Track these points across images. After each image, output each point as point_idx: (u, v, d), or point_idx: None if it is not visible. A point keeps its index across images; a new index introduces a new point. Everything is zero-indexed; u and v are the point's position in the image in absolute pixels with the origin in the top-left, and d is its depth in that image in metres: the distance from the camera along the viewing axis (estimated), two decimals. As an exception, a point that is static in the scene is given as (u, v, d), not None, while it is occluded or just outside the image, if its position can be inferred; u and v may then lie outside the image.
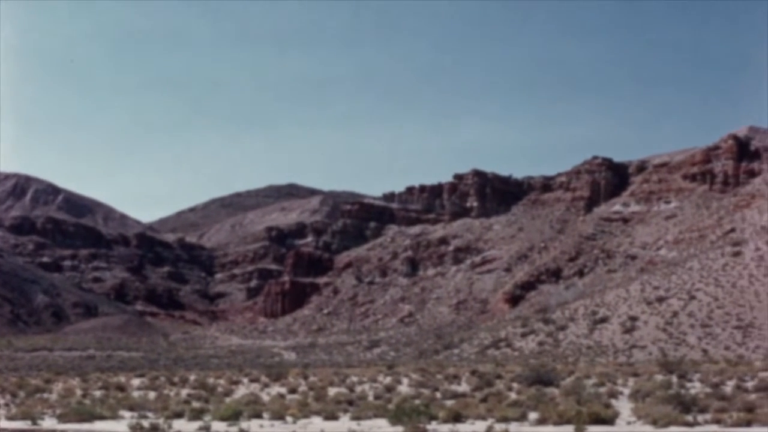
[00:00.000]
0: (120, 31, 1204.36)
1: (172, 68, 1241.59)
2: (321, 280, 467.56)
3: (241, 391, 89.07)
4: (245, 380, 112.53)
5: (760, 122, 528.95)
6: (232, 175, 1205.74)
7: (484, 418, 51.35)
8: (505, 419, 49.64)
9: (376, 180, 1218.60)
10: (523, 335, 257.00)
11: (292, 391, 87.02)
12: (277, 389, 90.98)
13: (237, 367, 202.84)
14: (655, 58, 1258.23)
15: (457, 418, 50.91)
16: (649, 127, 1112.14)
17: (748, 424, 43.65)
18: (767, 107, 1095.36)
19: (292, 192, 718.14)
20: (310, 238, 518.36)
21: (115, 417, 61.63)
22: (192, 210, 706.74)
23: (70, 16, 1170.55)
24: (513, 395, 68.74)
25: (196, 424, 53.42)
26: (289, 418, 56.10)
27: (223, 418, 55.29)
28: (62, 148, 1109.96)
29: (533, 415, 50.26)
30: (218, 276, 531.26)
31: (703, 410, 50.40)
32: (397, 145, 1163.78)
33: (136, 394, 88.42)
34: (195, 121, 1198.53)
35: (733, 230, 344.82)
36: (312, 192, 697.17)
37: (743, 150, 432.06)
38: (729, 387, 70.95)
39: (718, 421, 45.49)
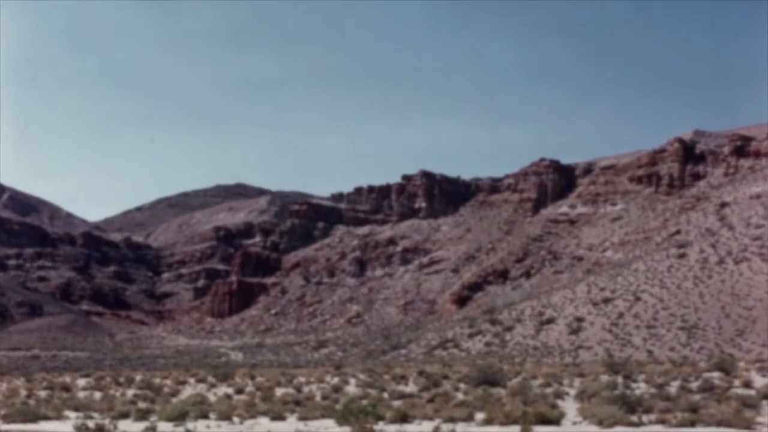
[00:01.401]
0: (68, 29, 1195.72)
1: (120, 66, 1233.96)
2: (269, 280, 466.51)
3: (187, 392, 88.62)
4: (192, 380, 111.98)
5: (705, 126, 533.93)
6: (180, 174, 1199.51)
7: (431, 419, 51.45)
8: (452, 420, 49.76)
9: (324, 180, 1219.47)
10: (470, 336, 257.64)
11: (239, 391, 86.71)
12: (224, 389, 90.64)
13: (183, 367, 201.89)
14: (602, 62, 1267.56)
15: (404, 418, 50.97)
16: (596, 130, 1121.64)
17: (692, 424, 44.06)
18: (712, 111, 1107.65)
19: (239, 192, 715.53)
20: (257, 238, 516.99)
21: (60, 417, 61.10)
22: (139, 209, 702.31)
23: (17, 13, 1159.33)
24: (460, 396, 68.90)
25: (142, 425, 53.08)
26: (236, 419, 55.92)
27: (169, 419, 54.99)
28: (7, 146, 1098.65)
29: (480, 416, 50.42)
30: (165, 276, 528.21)
31: (647, 410, 50.78)
32: (345, 145, 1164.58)
33: (81, 394, 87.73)
34: (142, 120, 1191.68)
35: (678, 232, 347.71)
36: (260, 192, 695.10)
37: (689, 153, 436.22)
38: (673, 388, 71.52)
39: (662, 422, 45.86)
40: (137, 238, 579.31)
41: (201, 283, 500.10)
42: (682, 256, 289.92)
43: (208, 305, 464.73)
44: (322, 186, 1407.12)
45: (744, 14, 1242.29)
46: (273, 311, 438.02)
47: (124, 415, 59.90)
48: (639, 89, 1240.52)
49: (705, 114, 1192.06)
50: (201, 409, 59.94)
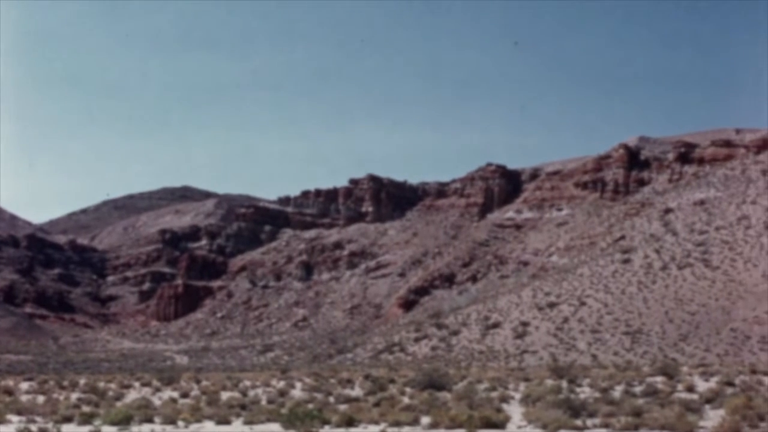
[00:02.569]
0: (14, 30, 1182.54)
1: (66, 68, 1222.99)
2: (215, 283, 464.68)
3: (132, 396, 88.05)
4: (137, 384, 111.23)
5: (650, 132, 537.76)
6: (126, 176, 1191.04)
7: (376, 423, 51.53)
8: (397, 423, 49.87)
9: (271, 184, 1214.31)
10: (417, 340, 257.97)
11: (185, 395, 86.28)
12: (169, 393, 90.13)
13: (128, 371, 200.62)
14: (548, 68, 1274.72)
15: (350, 422, 51.01)
16: (543, 135, 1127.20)
17: (636, 428, 44.43)
18: (658, 117, 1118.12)
19: (186, 194, 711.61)
20: (204, 241, 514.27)
21: (2, 421, 60.46)
22: (84, 211, 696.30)
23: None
24: (406, 399, 69.04)
25: (86, 429, 52.73)
26: (181, 423, 55.66)
27: (113, 423, 54.65)
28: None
29: (426, 420, 50.56)
30: (110, 279, 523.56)
31: (592, 414, 51.15)
32: (293, 148, 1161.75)
33: (24, 398, 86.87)
34: (88, 122, 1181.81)
35: (623, 238, 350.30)
36: (207, 195, 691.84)
37: (633, 159, 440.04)
38: (617, 392, 72.08)
39: (606, 425, 46.22)
40: (82, 240, 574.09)
41: (146, 286, 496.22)
42: (626, 261, 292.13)
43: (153, 308, 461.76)
44: (269, 189, 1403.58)
45: (687, 22, 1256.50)
46: (219, 315, 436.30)
47: (68, 419, 59.42)
48: (585, 95, 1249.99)
49: (650, 120, 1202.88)
50: (146, 413, 59.59)
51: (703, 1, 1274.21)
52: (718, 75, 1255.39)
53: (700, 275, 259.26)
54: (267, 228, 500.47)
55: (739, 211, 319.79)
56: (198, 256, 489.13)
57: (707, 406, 55.57)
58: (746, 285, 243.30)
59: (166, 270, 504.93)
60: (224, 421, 56.65)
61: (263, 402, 72.93)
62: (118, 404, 73.11)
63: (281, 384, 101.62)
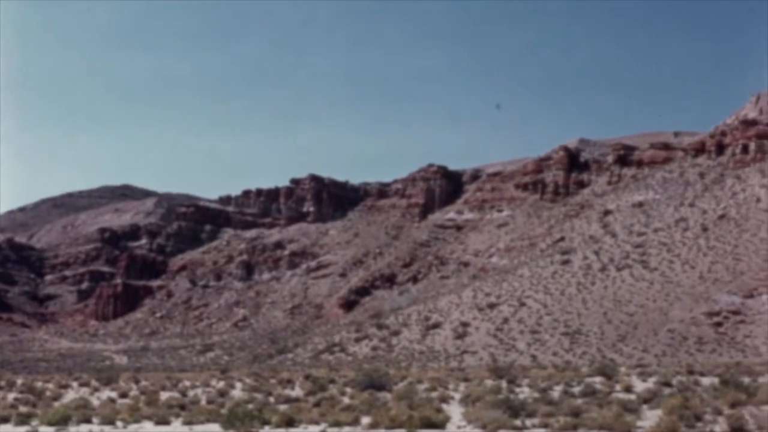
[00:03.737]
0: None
1: (4, 66, 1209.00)
2: (154, 283, 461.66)
3: (70, 396, 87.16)
4: (75, 384, 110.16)
5: (590, 134, 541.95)
6: (65, 174, 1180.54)
7: (317, 423, 51.48)
8: (337, 424, 49.85)
9: (212, 183, 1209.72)
10: (357, 340, 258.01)
11: (123, 395, 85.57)
12: (107, 393, 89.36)
13: (66, 370, 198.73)
14: (490, 69, 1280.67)
15: (290, 422, 50.91)
16: (484, 137, 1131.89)
17: (575, 428, 44.71)
18: (597, 120, 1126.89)
19: (126, 193, 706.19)
20: (144, 240, 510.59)
21: (-63, 422, 59.74)
22: (22, 210, 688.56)
23: None
24: (346, 400, 69.01)
25: (24, 429, 52.20)
26: (119, 423, 55.24)
27: (51, 423, 54.13)
28: None
29: (366, 420, 50.57)
30: (48, 278, 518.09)
31: (531, 415, 51.38)
32: (234, 148, 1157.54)
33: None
34: (27, 120, 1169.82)
35: (562, 239, 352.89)
36: (147, 193, 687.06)
37: (573, 161, 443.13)
38: (556, 392, 72.44)
39: (545, 426, 46.47)
40: (20, 238, 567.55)
41: (85, 285, 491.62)
42: (566, 262, 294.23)
43: (92, 308, 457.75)
44: (209, 188, 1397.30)
45: (626, 27, 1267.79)
46: (158, 314, 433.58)
47: (5, 420, 58.75)
48: (526, 97, 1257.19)
49: (590, 123, 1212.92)
50: (84, 413, 59.06)
51: (643, 6, 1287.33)
52: (657, 78, 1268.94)
53: (638, 277, 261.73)
54: (207, 227, 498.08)
55: (677, 214, 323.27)
56: (138, 256, 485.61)
57: (645, 407, 56.03)
58: (684, 286, 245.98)
59: (106, 269, 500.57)
60: (163, 421, 56.28)
61: (203, 402, 72.54)
62: (56, 404, 72.40)
63: (221, 384, 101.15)
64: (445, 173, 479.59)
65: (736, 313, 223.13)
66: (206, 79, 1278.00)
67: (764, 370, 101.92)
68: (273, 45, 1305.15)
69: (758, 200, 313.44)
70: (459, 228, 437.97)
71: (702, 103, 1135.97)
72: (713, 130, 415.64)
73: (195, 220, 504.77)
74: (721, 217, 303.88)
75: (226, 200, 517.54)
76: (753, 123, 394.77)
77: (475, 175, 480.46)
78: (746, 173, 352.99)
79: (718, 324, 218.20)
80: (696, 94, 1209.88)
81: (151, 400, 73.61)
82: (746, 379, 76.82)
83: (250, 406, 61.66)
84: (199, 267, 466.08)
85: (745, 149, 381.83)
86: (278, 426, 50.21)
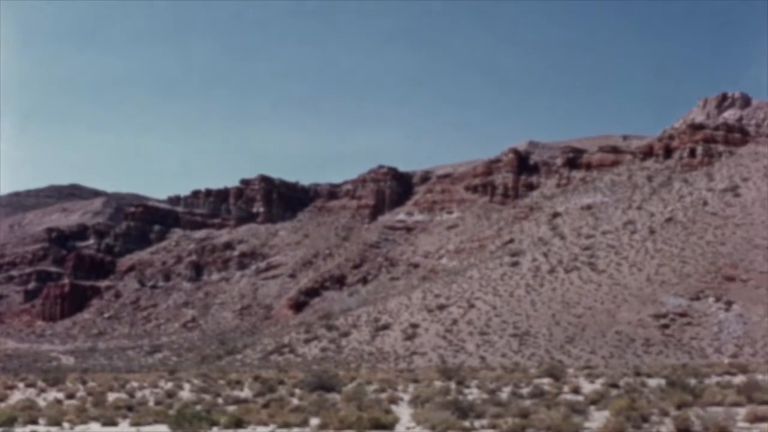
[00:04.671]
0: None
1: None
2: (102, 283, 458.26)
3: (16, 397, 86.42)
4: (21, 385, 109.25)
5: (539, 137, 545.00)
6: (12, 174, 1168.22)
7: (265, 424, 51.38)
8: (286, 425, 49.77)
9: (161, 183, 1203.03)
10: (307, 341, 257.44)
11: (70, 396, 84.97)
12: (54, 394, 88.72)
13: (12, 371, 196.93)
14: (440, 72, 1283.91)
15: (238, 423, 50.78)
16: (434, 139, 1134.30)
17: (523, 429, 44.91)
18: (547, 122, 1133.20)
19: (74, 193, 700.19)
20: (92, 240, 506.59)
21: None
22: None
23: None
24: (295, 401, 68.92)
25: (-32, 431, 51.67)
26: (66, 424, 54.85)
27: (-4, 424, 53.67)
28: None
29: (315, 421, 50.53)
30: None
31: (479, 416, 51.53)
32: (184, 148, 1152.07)
33: None
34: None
35: (511, 241, 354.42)
36: (95, 193, 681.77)
37: (523, 164, 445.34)
38: (505, 393, 72.75)
39: (493, 427, 46.61)
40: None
41: (32, 285, 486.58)
42: (515, 264, 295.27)
43: (39, 308, 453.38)
44: (159, 188, 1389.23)
45: (577, 31, 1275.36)
46: (106, 315, 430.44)
47: (-51, 421, 58.14)
48: (476, 100, 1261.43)
49: (539, 126, 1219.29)
50: (30, 414, 58.62)
51: (593, 10, 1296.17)
52: (607, 82, 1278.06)
53: (586, 279, 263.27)
54: (156, 228, 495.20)
55: (625, 216, 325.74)
56: (85, 256, 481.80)
57: (592, 408, 56.37)
58: (631, 288, 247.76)
59: (53, 269, 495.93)
60: (111, 422, 55.94)
61: (151, 403, 72.18)
62: (2, 405, 71.74)
63: (169, 385, 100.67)
64: (395, 175, 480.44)
65: (682, 315, 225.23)
66: (156, 80, 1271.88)
67: (710, 371, 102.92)
68: (224, 45, 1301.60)
69: (705, 203, 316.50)
70: (409, 229, 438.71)
71: (650, 107, 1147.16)
72: (661, 134, 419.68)
73: (144, 220, 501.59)
74: (669, 220, 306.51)
75: (175, 200, 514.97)
76: (700, 127, 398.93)
77: (425, 177, 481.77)
78: (693, 177, 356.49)
79: (665, 326, 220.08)
80: (645, 98, 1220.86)
81: (98, 401, 73.13)
82: (692, 381, 77.54)
83: (199, 408, 61.41)
84: (148, 267, 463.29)
85: (692, 153, 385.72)
86: (227, 427, 50.07)
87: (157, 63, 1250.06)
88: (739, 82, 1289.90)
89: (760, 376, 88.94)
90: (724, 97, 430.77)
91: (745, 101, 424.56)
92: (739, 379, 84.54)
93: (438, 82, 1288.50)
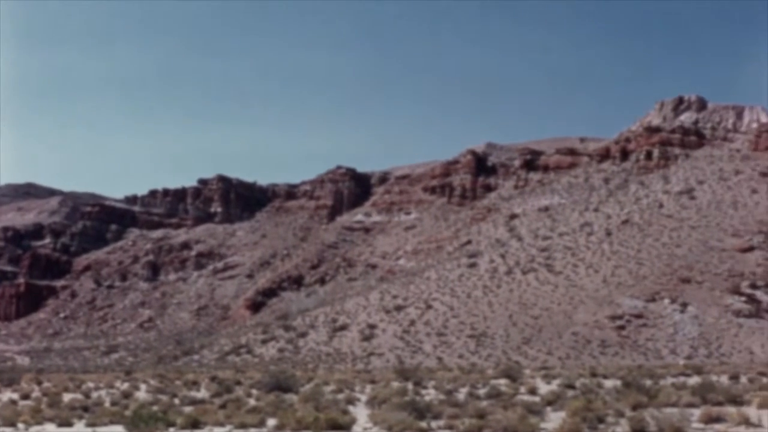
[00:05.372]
0: None
1: None
2: (58, 283, 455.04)
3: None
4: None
5: (497, 139, 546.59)
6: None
7: (222, 425, 51.22)
8: (243, 426, 49.65)
9: (118, 182, 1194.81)
10: (264, 342, 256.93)
11: (25, 396, 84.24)
12: (8, 395, 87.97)
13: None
14: (398, 73, 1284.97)
15: (195, 424, 50.57)
16: (393, 140, 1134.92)
17: (479, 430, 45.02)
18: (505, 124, 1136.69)
19: (30, 192, 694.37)
20: (48, 240, 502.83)
21: None
22: None
23: None
24: (252, 401, 68.72)
25: None
26: (21, 425, 54.43)
27: (-50, 425, 53.21)
28: None
29: (272, 422, 50.44)
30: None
31: (436, 416, 51.60)
32: (141, 147, 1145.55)
33: None
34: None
35: (469, 242, 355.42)
36: (51, 192, 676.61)
37: (481, 165, 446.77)
38: (462, 394, 72.84)
39: (450, 427, 46.71)
40: None
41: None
42: (472, 265, 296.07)
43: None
44: (115, 188, 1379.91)
45: (534, 33, 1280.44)
46: (62, 315, 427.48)
47: None
48: (435, 101, 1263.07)
49: (497, 127, 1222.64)
50: (-16, 415, 58.07)
51: (550, 12, 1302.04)
52: (565, 84, 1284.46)
53: (543, 280, 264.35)
54: (113, 227, 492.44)
55: (582, 218, 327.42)
56: (41, 255, 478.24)
57: (548, 408, 56.58)
58: (587, 290, 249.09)
59: (8, 268, 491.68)
60: (66, 423, 55.56)
61: (107, 404, 71.72)
62: (-45, 406, 71.06)
63: (125, 386, 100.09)
64: (353, 175, 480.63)
65: (638, 316, 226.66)
66: (114, 78, 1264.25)
67: (665, 372, 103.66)
68: (181, 44, 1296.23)
69: (661, 206, 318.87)
70: (367, 230, 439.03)
71: (607, 110, 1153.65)
72: (618, 137, 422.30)
73: (100, 220, 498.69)
74: (625, 222, 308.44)
75: (132, 200, 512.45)
76: (657, 130, 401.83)
77: (384, 178, 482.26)
78: (650, 179, 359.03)
79: (621, 327, 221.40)
80: (602, 101, 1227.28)
81: (53, 402, 72.59)
82: (648, 382, 78.02)
83: (155, 408, 61.12)
84: (104, 267, 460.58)
85: (648, 155, 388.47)
86: (183, 428, 49.85)
87: (114, 61, 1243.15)
88: (695, 85, 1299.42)
89: (714, 377, 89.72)
90: (681, 100, 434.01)
91: (701, 104, 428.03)
92: (694, 380, 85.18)
93: (397, 84, 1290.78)
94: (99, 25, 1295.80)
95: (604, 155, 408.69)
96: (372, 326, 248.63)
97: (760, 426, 44.75)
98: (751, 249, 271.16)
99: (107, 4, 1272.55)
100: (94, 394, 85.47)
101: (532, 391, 74.34)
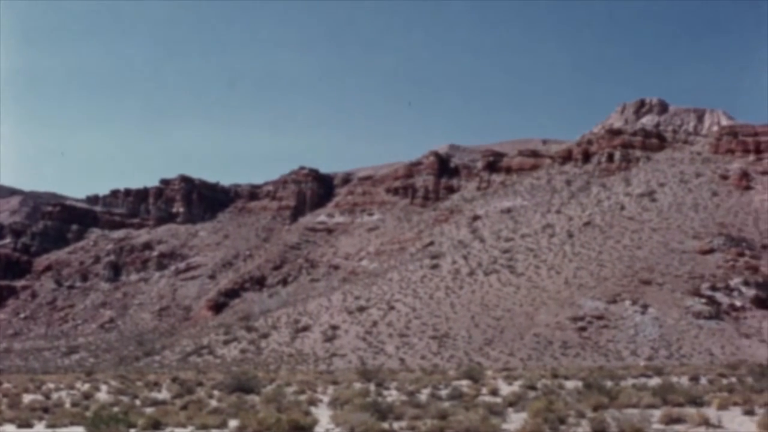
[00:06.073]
0: None
1: None
2: (18, 283, 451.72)
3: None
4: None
5: (460, 140, 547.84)
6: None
7: (184, 426, 51.07)
8: (205, 427, 49.52)
9: (79, 182, 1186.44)
10: (226, 343, 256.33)
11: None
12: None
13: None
14: (362, 74, 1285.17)
15: (156, 425, 50.39)
16: (356, 141, 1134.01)
17: (441, 431, 45.14)
18: (468, 126, 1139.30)
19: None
20: (8, 240, 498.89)
21: None
22: None
23: None
24: (214, 403, 68.55)
25: None
26: (-20, 426, 54.09)
27: None
28: None
29: (233, 423, 50.34)
30: None
31: (398, 417, 51.67)
32: (102, 146, 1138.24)
33: None
34: None
35: (431, 243, 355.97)
36: (11, 192, 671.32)
37: (444, 166, 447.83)
38: (424, 395, 72.96)
39: (412, 428, 46.78)
40: None
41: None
42: (435, 266, 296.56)
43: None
44: (77, 187, 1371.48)
45: (500, 34, 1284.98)
46: (22, 315, 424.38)
47: None
48: (397, 102, 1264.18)
49: (460, 129, 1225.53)
50: (-58, 416, 57.64)
51: (513, 14, 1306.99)
52: (527, 86, 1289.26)
53: (505, 281, 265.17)
54: (74, 227, 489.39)
55: (544, 220, 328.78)
56: (1, 255, 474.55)
57: (510, 409, 56.78)
58: (549, 291, 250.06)
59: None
60: (26, 424, 55.22)
61: (67, 405, 71.32)
62: None
63: (86, 387, 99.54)
64: (316, 176, 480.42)
65: (599, 318, 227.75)
66: (74, 75, 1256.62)
67: (626, 374, 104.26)
68: (144, 43, 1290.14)
69: (622, 208, 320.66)
70: (330, 231, 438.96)
71: (570, 112, 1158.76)
72: (580, 139, 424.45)
73: (61, 220, 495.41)
74: (587, 224, 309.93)
75: (93, 200, 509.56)
76: (618, 132, 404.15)
77: (347, 179, 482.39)
78: (611, 181, 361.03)
79: (582, 329, 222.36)
80: (564, 103, 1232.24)
81: (13, 403, 72.12)
82: (609, 383, 78.47)
83: (116, 409, 60.86)
84: (65, 267, 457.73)
85: (610, 158, 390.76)
86: (144, 429, 49.67)
87: (76, 59, 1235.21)
88: (657, 89, 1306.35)
89: (675, 379, 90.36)
90: (642, 103, 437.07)
91: (663, 107, 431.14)
92: (654, 381, 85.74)
93: (360, 85, 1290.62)
94: (58, 23, 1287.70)
95: (566, 157, 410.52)
96: (334, 327, 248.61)
97: (720, 427, 45.16)
98: (711, 251, 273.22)
99: (65, 4, 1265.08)
100: (55, 395, 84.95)
101: (494, 392, 74.55)
